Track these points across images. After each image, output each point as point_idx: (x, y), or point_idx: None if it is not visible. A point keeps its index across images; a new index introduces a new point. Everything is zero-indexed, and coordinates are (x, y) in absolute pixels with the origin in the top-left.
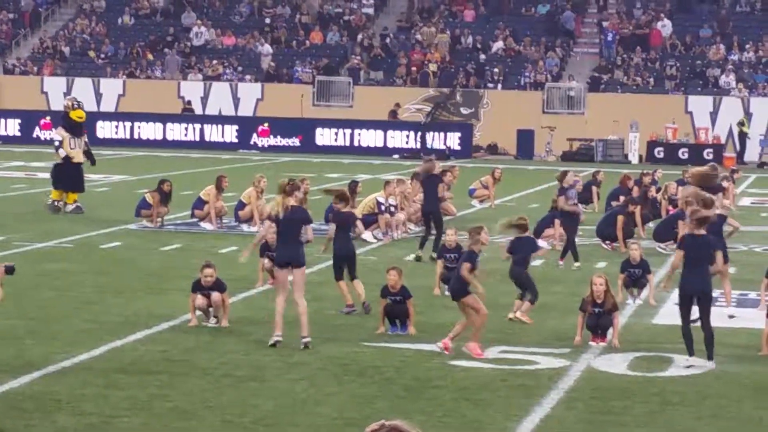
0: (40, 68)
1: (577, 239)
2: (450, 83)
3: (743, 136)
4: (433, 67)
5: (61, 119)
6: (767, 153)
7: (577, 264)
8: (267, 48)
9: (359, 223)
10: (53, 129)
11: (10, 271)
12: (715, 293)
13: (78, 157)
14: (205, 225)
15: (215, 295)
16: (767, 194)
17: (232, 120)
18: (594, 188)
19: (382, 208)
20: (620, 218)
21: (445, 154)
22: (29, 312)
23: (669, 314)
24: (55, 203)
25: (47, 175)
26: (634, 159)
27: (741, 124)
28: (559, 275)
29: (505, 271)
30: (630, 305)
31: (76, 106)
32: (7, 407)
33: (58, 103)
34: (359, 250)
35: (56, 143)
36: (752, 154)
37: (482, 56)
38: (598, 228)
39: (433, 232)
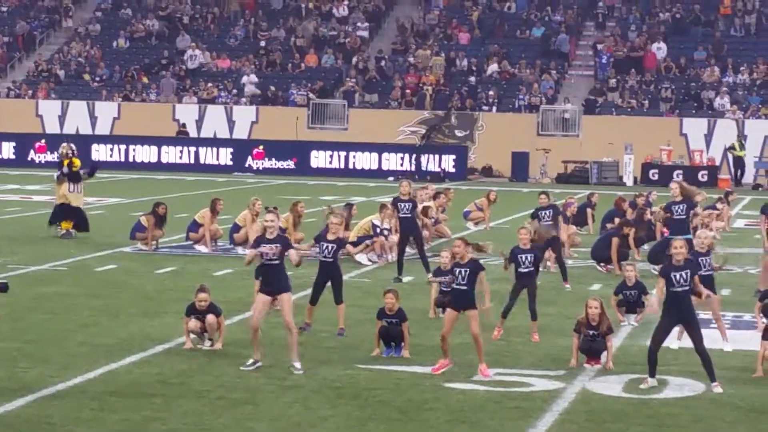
0: (35, 91)
1: (571, 261)
2: (445, 106)
3: (738, 159)
4: (428, 89)
5: (58, 168)
6: (762, 175)
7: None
8: (252, 77)
9: (349, 247)
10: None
11: (3, 288)
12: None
13: (77, 201)
14: (200, 248)
15: (210, 318)
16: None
17: (227, 143)
18: (589, 210)
19: (378, 230)
20: (615, 240)
21: (440, 177)
22: (24, 335)
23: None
24: (69, 232)
25: (42, 198)
26: (628, 181)
27: (732, 148)
28: (554, 297)
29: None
30: (625, 326)
31: (70, 155)
32: (2, 430)
33: (52, 126)
34: (353, 273)
35: (57, 174)
36: (747, 176)
37: (475, 79)
38: (593, 250)
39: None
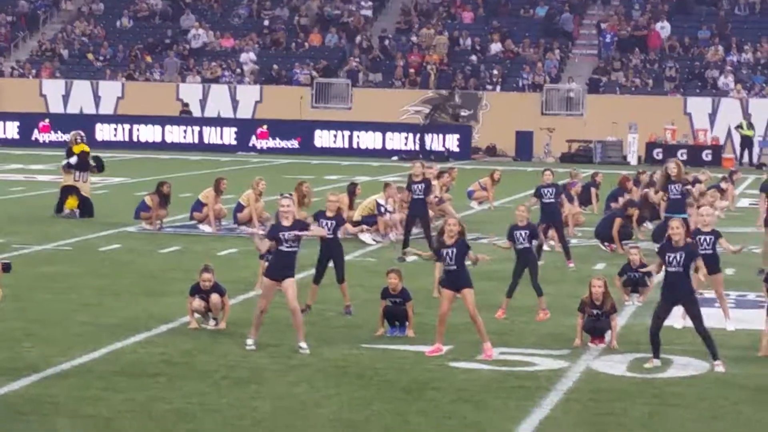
0: (39, 71)
1: (575, 240)
2: (449, 85)
3: (746, 138)
4: (432, 69)
5: (66, 155)
6: (766, 154)
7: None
8: (251, 55)
9: (348, 225)
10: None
11: (6, 268)
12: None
13: (84, 189)
14: (204, 227)
15: (214, 297)
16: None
17: (231, 122)
18: (593, 190)
19: (382, 210)
20: (617, 221)
21: (444, 156)
22: (28, 314)
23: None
24: (73, 211)
25: (46, 178)
26: (633, 160)
27: (739, 127)
28: (558, 276)
29: (505, 273)
30: (629, 306)
31: (79, 140)
32: (6, 410)
33: (56, 106)
34: (358, 252)
35: (65, 162)
36: (751, 154)
37: (478, 58)
38: (596, 229)
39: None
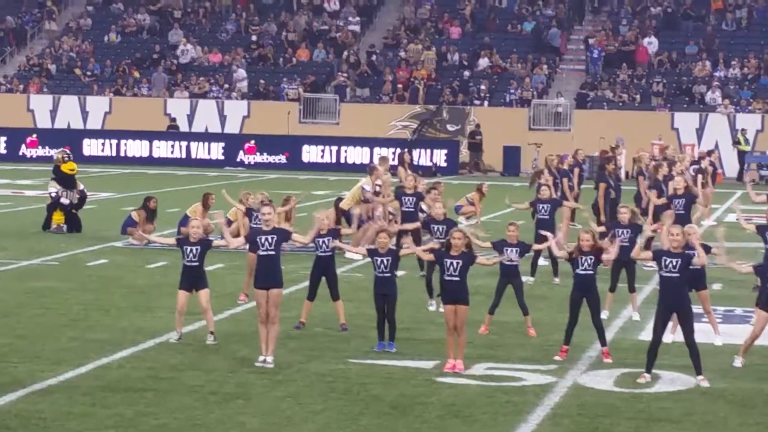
0: (27, 86)
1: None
2: (436, 100)
3: (742, 154)
4: (419, 84)
5: (53, 172)
6: (754, 169)
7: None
8: (242, 73)
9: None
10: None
11: None
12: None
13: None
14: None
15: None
16: (753, 210)
17: (219, 137)
18: (576, 170)
19: (367, 193)
20: (602, 186)
21: (431, 171)
22: (14, 330)
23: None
24: (60, 226)
25: (33, 193)
26: (620, 175)
27: (737, 142)
28: (545, 292)
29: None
30: (619, 320)
31: (66, 158)
32: None
33: (44, 121)
34: (345, 267)
35: (53, 194)
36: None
37: (466, 73)
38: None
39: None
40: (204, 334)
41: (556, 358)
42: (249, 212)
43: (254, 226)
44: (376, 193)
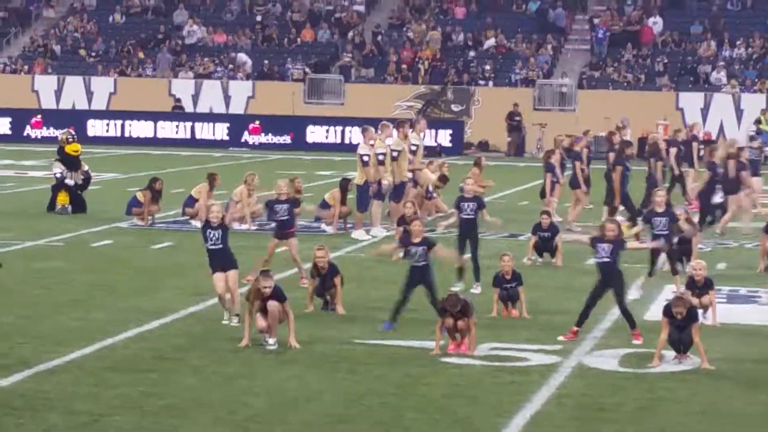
0: (31, 66)
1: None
2: (441, 80)
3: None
4: (424, 64)
5: (57, 153)
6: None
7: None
8: (242, 56)
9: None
10: (54, 161)
11: None
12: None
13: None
14: (195, 223)
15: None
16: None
17: (223, 118)
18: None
19: (365, 159)
20: (618, 169)
21: (436, 151)
22: (20, 310)
23: (660, 311)
24: (65, 207)
25: (38, 174)
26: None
27: (758, 122)
28: (550, 271)
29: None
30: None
31: (71, 140)
32: None
33: (48, 102)
34: (350, 248)
35: (58, 175)
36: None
37: (471, 53)
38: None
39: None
40: (213, 315)
41: (561, 338)
42: (269, 205)
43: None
44: (381, 163)
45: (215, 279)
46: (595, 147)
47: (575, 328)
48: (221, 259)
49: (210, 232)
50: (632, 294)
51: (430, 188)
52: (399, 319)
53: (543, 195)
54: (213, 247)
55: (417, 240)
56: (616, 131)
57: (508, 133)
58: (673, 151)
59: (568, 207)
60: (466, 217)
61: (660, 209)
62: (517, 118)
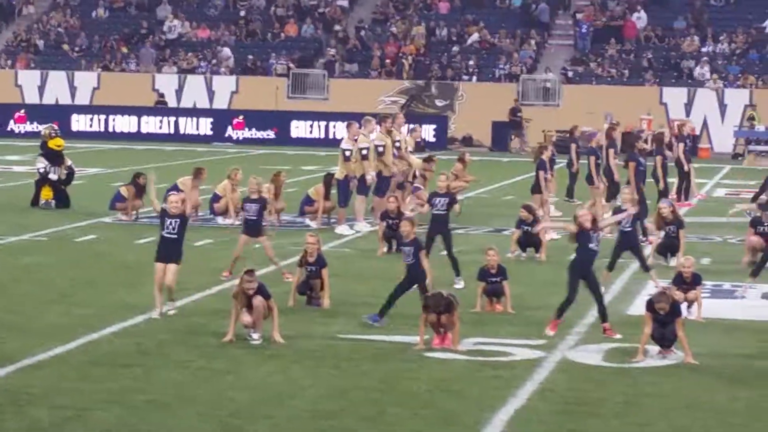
0: (14, 62)
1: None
2: (425, 75)
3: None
4: (408, 59)
5: (40, 148)
6: (741, 144)
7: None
8: (226, 52)
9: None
10: (37, 156)
11: None
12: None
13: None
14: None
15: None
16: (741, 185)
17: (207, 113)
18: (573, 146)
19: (347, 153)
20: (631, 165)
21: (419, 146)
22: (4, 305)
23: (644, 305)
24: (48, 202)
25: (22, 169)
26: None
27: (751, 118)
28: (534, 266)
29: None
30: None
31: (54, 134)
32: None
33: (32, 97)
34: (334, 243)
35: (41, 170)
36: (726, 145)
37: (455, 48)
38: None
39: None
40: (191, 310)
41: (548, 332)
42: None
43: (248, 217)
44: (364, 158)
45: (157, 268)
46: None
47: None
48: (168, 250)
49: (168, 221)
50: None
51: (417, 174)
52: (387, 315)
53: (534, 191)
54: (167, 235)
55: (408, 239)
56: (616, 127)
57: (511, 129)
58: (681, 146)
59: (565, 201)
60: (437, 212)
61: (625, 206)
62: (519, 114)
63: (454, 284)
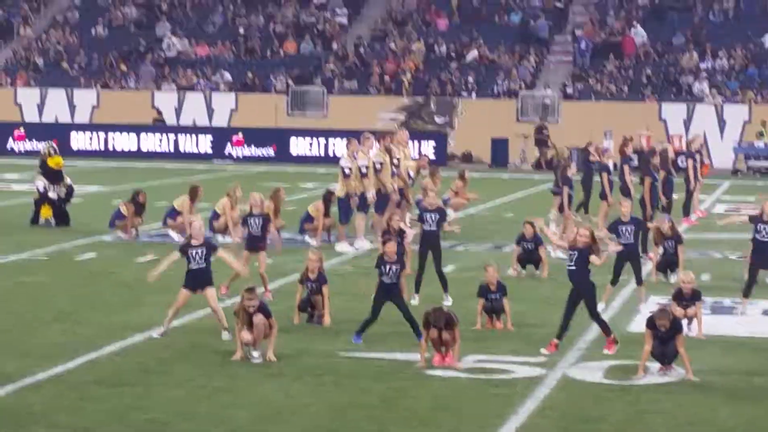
0: (14, 80)
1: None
2: (424, 92)
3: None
4: (407, 76)
5: (39, 167)
6: (741, 160)
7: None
8: (227, 75)
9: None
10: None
11: None
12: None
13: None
14: (173, 234)
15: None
16: (741, 201)
17: (207, 130)
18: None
19: (346, 171)
20: (647, 181)
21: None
22: (3, 324)
23: (644, 322)
24: (48, 220)
25: (21, 187)
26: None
27: (761, 134)
28: (535, 283)
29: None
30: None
31: (53, 153)
32: None
33: (31, 115)
34: (334, 261)
35: (40, 188)
36: (726, 160)
37: (454, 65)
38: None
39: None
40: (197, 328)
41: (544, 351)
42: (245, 220)
43: (253, 233)
44: (364, 175)
45: (182, 294)
46: (578, 160)
47: (555, 341)
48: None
49: (192, 251)
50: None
51: (411, 174)
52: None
53: (561, 209)
54: (196, 267)
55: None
56: (629, 142)
57: (536, 147)
58: (690, 162)
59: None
60: (428, 229)
61: (625, 219)
62: (545, 132)
63: (443, 301)
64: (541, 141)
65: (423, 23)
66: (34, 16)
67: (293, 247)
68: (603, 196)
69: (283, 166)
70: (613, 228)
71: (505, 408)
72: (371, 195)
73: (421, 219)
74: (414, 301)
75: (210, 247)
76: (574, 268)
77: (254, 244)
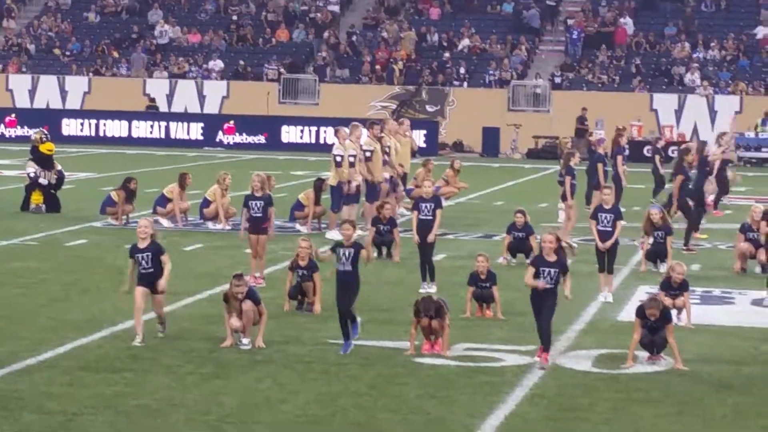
0: (5, 66)
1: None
2: (416, 81)
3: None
4: (398, 65)
5: (31, 153)
6: (732, 150)
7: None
8: (219, 63)
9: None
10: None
11: None
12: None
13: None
14: (163, 221)
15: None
16: (732, 192)
17: (198, 117)
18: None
19: (338, 159)
20: (679, 178)
21: (411, 152)
22: None
23: (634, 311)
24: (39, 206)
25: (12, 173)
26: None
27: (763, 123)
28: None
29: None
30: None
31: (44, 139)
32: None
33: (23, 101)
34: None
35: (31, 174)
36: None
37: (446, 54)
38: None
39: None
40: (181, 315)
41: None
42: (247, 200)
43: (254, 214)
44: (352, 164)
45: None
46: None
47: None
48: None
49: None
50: (607, 297)
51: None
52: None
53: (564, 198)
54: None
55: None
56: (623, 133)
57: (575, 136)
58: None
59: (586, 210)
60: (423, 218)
61: (606, 206)
62: (586, 123)
63: (428, 288)
64: (582, 131)
65: (415, 12)
66: (27, 2)
67: (284, 234)
68: (597, 185)
69: (275, 153)
70: (594, 215)
71: (494, 396)
72: (355, 183)
73: (416, 208)
74: (431, 288)
75: (156, 252)
76: (551, 287)
77: (257, 225)
